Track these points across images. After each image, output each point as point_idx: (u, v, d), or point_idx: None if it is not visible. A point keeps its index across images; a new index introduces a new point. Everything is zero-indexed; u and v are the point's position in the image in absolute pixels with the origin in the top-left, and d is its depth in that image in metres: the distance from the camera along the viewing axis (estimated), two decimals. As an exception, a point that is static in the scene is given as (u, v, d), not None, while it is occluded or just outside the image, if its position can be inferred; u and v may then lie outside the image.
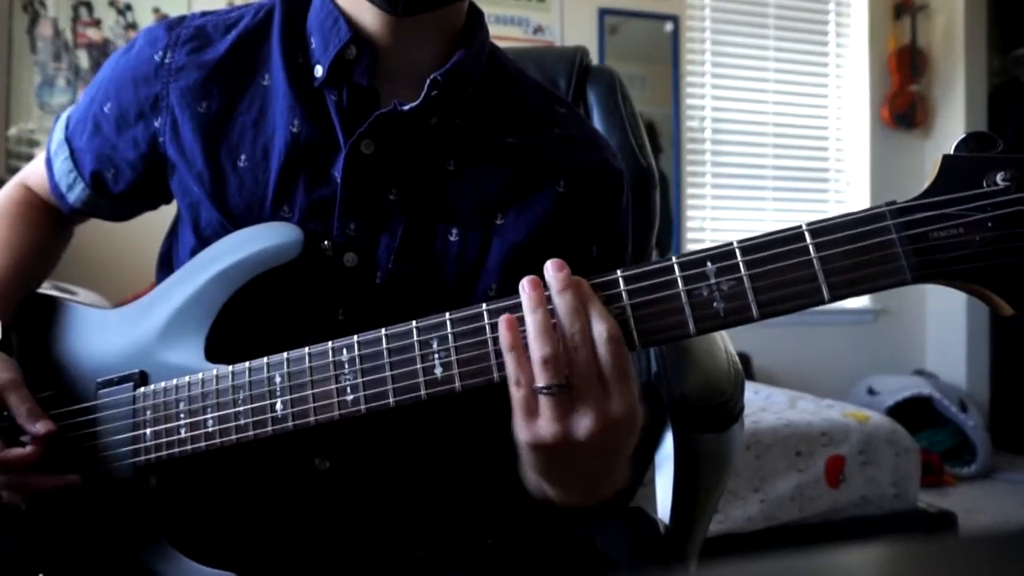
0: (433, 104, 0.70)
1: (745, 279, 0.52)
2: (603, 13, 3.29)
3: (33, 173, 0.87)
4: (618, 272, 0.55)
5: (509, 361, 0.56)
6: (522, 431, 0.56)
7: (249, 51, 0.75)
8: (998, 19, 3.79)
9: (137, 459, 0.69)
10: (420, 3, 0.68)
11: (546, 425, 0.55)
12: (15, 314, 0.80)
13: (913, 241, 0.50)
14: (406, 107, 0.69)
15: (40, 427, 0.69)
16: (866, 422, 2.30)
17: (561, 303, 0.55)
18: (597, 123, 1.14)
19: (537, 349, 0.54)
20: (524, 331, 0.56)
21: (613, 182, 0.78)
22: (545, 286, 0.56)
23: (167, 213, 0.85)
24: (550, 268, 0.56)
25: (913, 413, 3.16)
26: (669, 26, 3.42)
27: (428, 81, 0.69)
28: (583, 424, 0.55)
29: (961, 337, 3.60)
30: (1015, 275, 0.49)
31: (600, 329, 0.54)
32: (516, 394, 0.56)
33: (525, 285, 0.56)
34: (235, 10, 0.78)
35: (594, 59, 1.20)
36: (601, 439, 0.55)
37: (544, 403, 0.55)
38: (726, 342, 1.02)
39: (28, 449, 0.69)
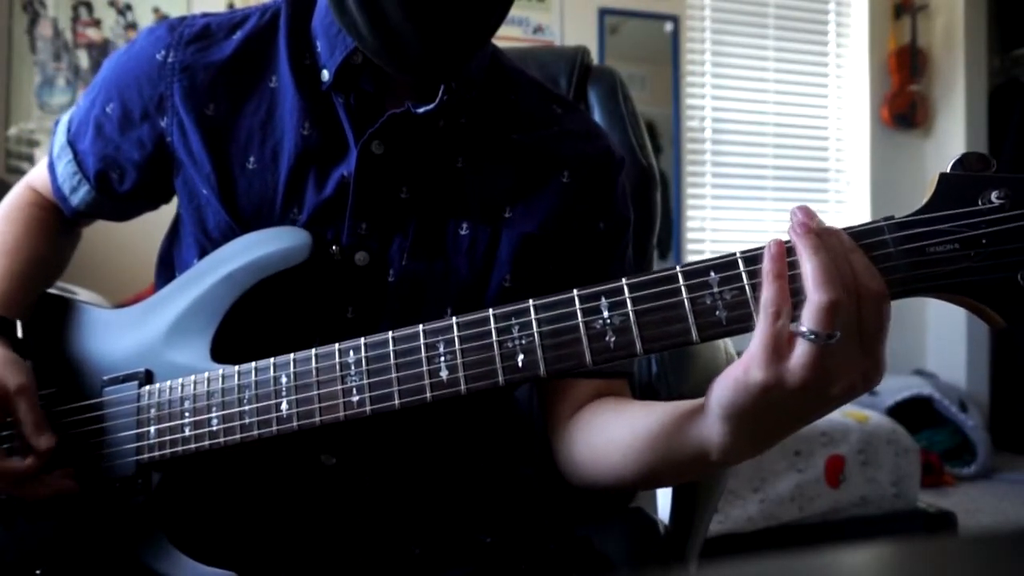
0: (444, 107, 0.71)
1: (747, 289, 0.53)
2: (603, 13, 3.29)
3: (39, 176, 0.87)
4: (623, 280, 0.56)
5: (773, 290, 0.51)
6: (760, 369, 0.51)
7: (256, 52, 0.75)
8: (998, 19, 3.79)
9: (140, 456, 0.69)
10: (441, 72, 0.70)
11: (797, 371, 0.50)
12: (28, 313, 0.79)
13: (909, 255, 0.51)
14: (420, 110, 0.70)
15: (43, 442, 0.69)
16: (866, 422, 2.30)
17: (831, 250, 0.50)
18: (598, 123, 1.14)
19: (822, 293, 0.49)
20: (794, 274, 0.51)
21: (615, 167, 0.80)
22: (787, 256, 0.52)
23: (167, 213, 0.84)
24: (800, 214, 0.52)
25: (913, 413, 3.15)
26: (669, 26, 3.42)
27: (442, 86, 0.70)
28: (836, 380, 0.50)
29: (961, 337, 3.60)
30: (1007, 289, 0.50)
31: (874, 285, 0.50)
32: (768, 328, 0.50)
33: (797, 227, 0.51)
34: (239, 11, 0.78)
35: (594, 59, 1.20)
36: (844, 397, 0.51)
37: (804, 349, 0.50)
38: (726, 342, 1.02)
39: (28, 461, 0.69)
